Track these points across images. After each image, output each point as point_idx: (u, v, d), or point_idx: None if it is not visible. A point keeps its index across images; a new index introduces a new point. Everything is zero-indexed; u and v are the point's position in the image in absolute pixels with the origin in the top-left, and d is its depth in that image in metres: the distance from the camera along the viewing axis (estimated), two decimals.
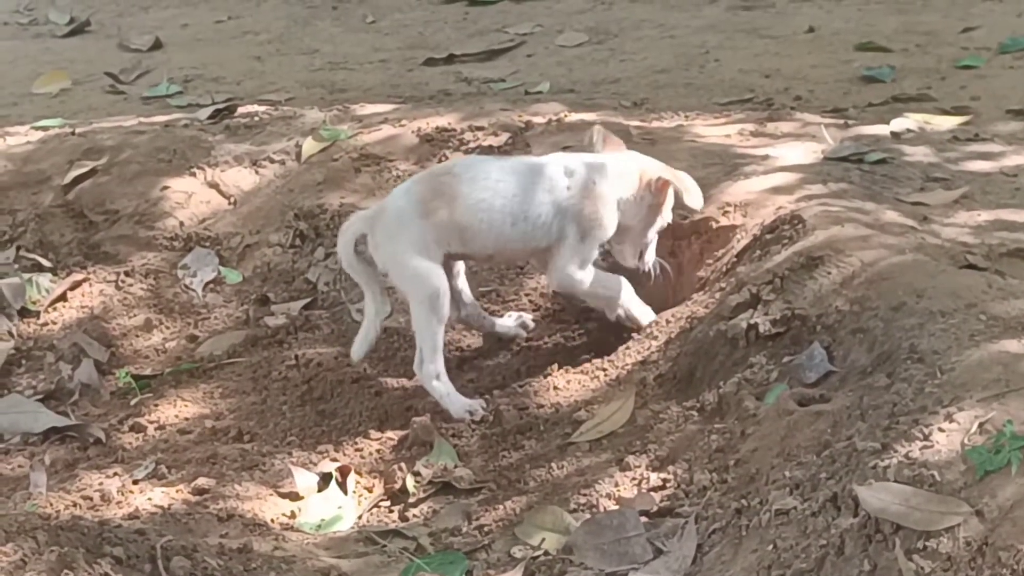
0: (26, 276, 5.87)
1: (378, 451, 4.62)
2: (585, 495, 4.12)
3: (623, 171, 4.84)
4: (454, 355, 5.18)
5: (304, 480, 4.41)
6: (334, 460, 4.51)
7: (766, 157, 5.50)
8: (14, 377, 5.45)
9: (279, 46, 8.89)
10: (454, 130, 6.18)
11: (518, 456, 4.48)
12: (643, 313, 4.91)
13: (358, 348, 4.87)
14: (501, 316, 5.16)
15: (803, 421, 3.86)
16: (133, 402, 5.15)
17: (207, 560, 3.73)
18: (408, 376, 4.91)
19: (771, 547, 3.47)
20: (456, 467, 4.42)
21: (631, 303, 4.90)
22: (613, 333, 5.01)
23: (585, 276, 4.82)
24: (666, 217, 4.92)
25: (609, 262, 5.05)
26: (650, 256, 4.98)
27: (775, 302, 4.43)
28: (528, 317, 5.15)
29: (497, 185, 4.73)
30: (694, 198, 4.83)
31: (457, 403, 4.72)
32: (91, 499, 4.40)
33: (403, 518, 4.26)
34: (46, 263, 6.05)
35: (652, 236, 4.95)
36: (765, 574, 3.42)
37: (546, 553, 3.91)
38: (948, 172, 5.43)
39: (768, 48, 7.74)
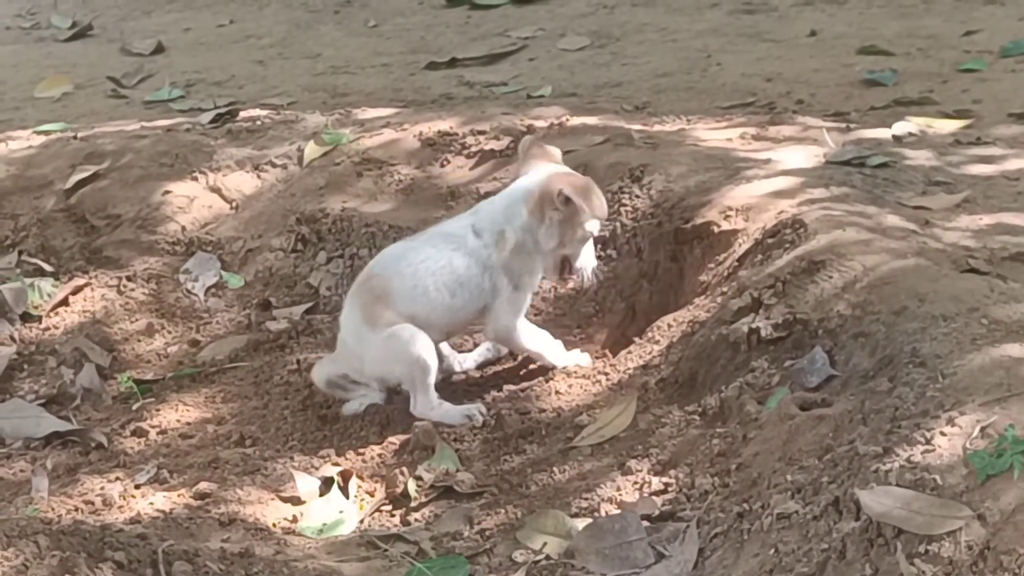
0: (28, 281, 5.86)
1: (380, 455, 4.61)
2: (587, 499, 4.12)
3: (514, 199, 4.84)
4: None
5: (306, 484, 4.41)
6: (336, 464, 4.51)
7: (768, 161, 5.50)
8: (16, 382, 5.44)
9: (281, 50, 8.90)
10: (456, 134, 6.18)
11: (520, 460, 4.48)
12: (576, 360, 4.94)
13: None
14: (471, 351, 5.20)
15: (805, 425, 3.86)
16: (135, 407, 5.15)
17: (209, 564, 3.73)
18: None
19: (773, 551, 3.47)
20: (458, 471, 4.42)
21: (559, 358, 4.93)
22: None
23: (521, 327, 4.88)
24: (589, 228, 4.85)
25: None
26: (585, 263, 4.92)
27: (777, 306, 4.43)
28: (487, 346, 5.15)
29: (421, 267, 4.78)
30: (597, 208, 4.76)
31: (453, 413, 4.74)
32: (93, 503, 4.40)
33: (405, 522, 4.26)
34: (48, 268, 6.05)
35: (577, 250, 4.89)
36: None
37: (548, 557, 3.91)
38: (950, 176, 5.43)
39: (770, 52, 7.74)
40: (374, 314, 4.75)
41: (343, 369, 4.89)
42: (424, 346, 4.70)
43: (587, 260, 4.90)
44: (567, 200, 4.72)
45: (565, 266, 4.91)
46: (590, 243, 4.91)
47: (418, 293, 4.76)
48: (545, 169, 4.88)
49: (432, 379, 4.75)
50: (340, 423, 4.81)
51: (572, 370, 4.91)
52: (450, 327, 4.90)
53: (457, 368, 5.07)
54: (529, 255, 4.82)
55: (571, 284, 5.13)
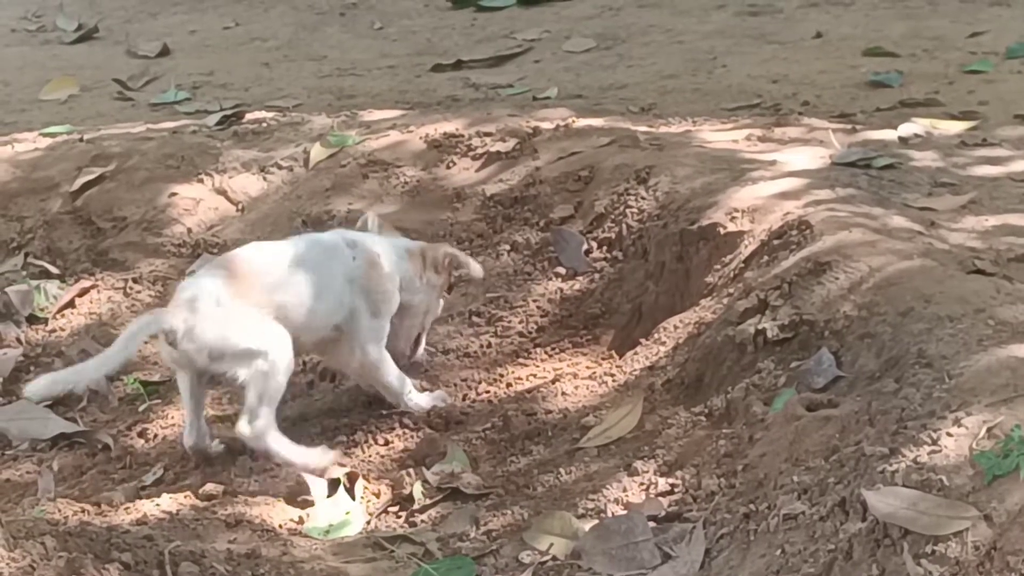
0: (34, 283, 5.87)
1: (386, 457, 4.62)
2: (593, 500, 4.12)
3: (406, 249, 4.90)
4: (462, 359, 5.18)
5: (313, 486, 4.41)
6: (342, 466, 4.51)
7: (774, 162, 5.50)
8: (23, 383, 5.43)
9: (287, 52, 8.91)
10: (462, 136, 6.19)
11: (526, 461, 4.48)
12: (427, 402, 4.86)
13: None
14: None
15: (811, 426, 3.85)
16: (141, 408, 5.15)
17: (215, 566, 3.74)
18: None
19: (779, 552, 3.47)
20: (464, 472, 4.42)
21: (415, 401, 4.85)
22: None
23: (382, 357, 4.78)
24: (440, 304, 5.02)
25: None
26: (421, 346, 5.06)
27: (783, 307, 4.42)
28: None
29: (299, 259, 4.68)
30: (476, 271, 5.01)
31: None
32: (99, 505, 4.41)
33: (411, 523, 4.26)
34: (54, 270, 6.06)
35: (428, 323, 5.03)
36: None
37: (554, 558, 3.91)
38: (956, 177, 5.43)
39: (776, 54, 7.74)
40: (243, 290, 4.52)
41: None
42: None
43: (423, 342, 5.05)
44: (450, 264, 4.91)
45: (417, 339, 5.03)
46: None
47: (291, 284, 4.60)
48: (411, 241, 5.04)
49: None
50: (347, 425, 4.81)
51: (577, 371, 4.92)
52: (305, 331, 4.69)
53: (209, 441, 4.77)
54: (394, 288, 4.81)
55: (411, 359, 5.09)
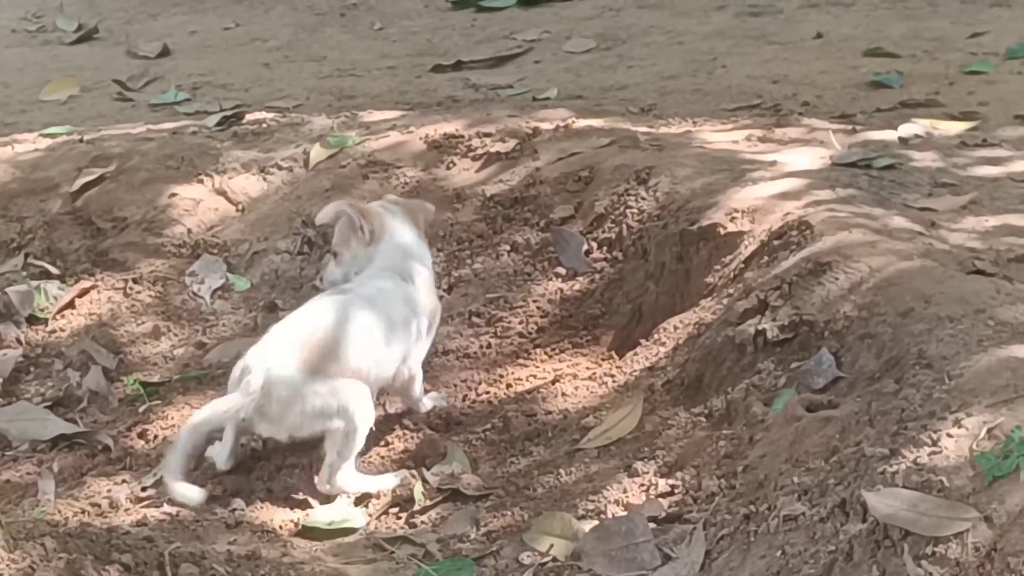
0: (34, 283, 5.87)
1: (386, 457, 4.62)
2: (593, 501, 4.12)
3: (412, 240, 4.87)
4: (461, 360, 5.18)
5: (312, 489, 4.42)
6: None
7: (774, 163, 5.50)
8: (22, 384, 5.44)
9: (287, 53, 8.91)
10: (462, 136, 6.19)
11: (526, 462, 4.48)
12: (430, 403, 4.87)
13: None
14: None
15: (811, 427, 3.85)
16: (141, 409, 5.15)
17: (215, 567, 3.74)
18: None
19: (779, 553, 3.47)
20: (464, 473, 4.42)
21: (424, 403, 4.86)
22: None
23: (420, 369, 4.79)
24: None
25: None
26: None
27: (783, 308, 4.42)
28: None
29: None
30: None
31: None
32: (99, 506, 4.41)
33: (411, 524, 4.26)
34: (54, 270, 6.05)
35: None
36: None
37: (554, 559, 3.91)
38: (956, 177, 5.42)
39: (776, 54, 7.74)
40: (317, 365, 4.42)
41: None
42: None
43: None
44: None
45: None
46: None
47: (363, 344, 4.49)
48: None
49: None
50: None
51: (577, 372, 4.92)
52: (380, 378, 4.62)
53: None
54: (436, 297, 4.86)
55: None
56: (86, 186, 6.38)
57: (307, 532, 4.25)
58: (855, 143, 5.82)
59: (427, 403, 4.83)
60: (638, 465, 4.22)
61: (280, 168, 6.32)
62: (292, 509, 4.38)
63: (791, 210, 4.93)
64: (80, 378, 5.35)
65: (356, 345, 4.45)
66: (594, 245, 5.49)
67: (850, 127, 6.11)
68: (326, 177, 6.14)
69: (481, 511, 4.24)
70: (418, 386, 4.79)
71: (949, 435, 3.42)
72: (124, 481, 4.60)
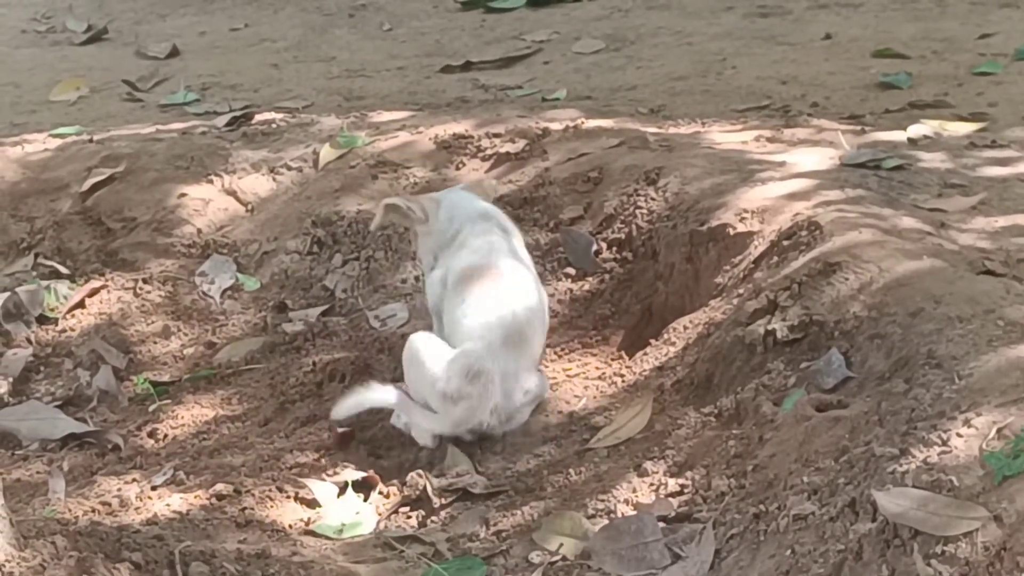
0: (44, 283, 5.88)
1: (396, 457, 4.62)
2: (603, 500, 4.12)
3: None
4: None
5: (321, 488, 4.42)
6: (359, 469, 4.50)
7: (783, 163, 5.50)
8: (33, 384, 5.45)
9: (296, 53, 8.91)
10: (471, 137, 6.19)
11: (536, 462, 4.48)
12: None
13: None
14: None
15: (821, 427, 3.86)
16: (151, 408, 5.16)
17: (225, 565, 3.74)
18: None
19: (789, 552, 3.47)
20: (468, 474, 4.42)
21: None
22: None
23: None
24: None
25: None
26: None
27: (792, 308, 4.43)
28: None
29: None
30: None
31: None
32: (110, 504, 4.42)
33: (421, 523, 4.27)
34: (64, 270, 6.06)
35: None
36: None
37: (564, 558, 3.91)
38: (965, 178, 5.42)
39: (785, 55, 7.74)
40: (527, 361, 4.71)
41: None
42: None
43: None
44: None
45: None
46: None
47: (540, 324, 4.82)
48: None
49: None
50: (356, 425, 4.81)
51: (587, 371, 4.93)
52: None
53: None
54: None
55: None
56: (96, 186, 6.39)
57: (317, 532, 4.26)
58: (864, 144, 5.81)
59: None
60: (648, 464, 4.22)
61: (290, 168, 6.33)
62: (302, 508, 4.38)
63: (800, 210, 4.93)
64: (90, 377, 5.36)
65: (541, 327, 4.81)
66: (604, 245, 5.50)
67: (859, 128, 6.11)
68: (335, 177, 6.15)
69: (491, 510, 4.24)
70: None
71: (959, 435, 3.43)
72: (134, 480, 4.61)
